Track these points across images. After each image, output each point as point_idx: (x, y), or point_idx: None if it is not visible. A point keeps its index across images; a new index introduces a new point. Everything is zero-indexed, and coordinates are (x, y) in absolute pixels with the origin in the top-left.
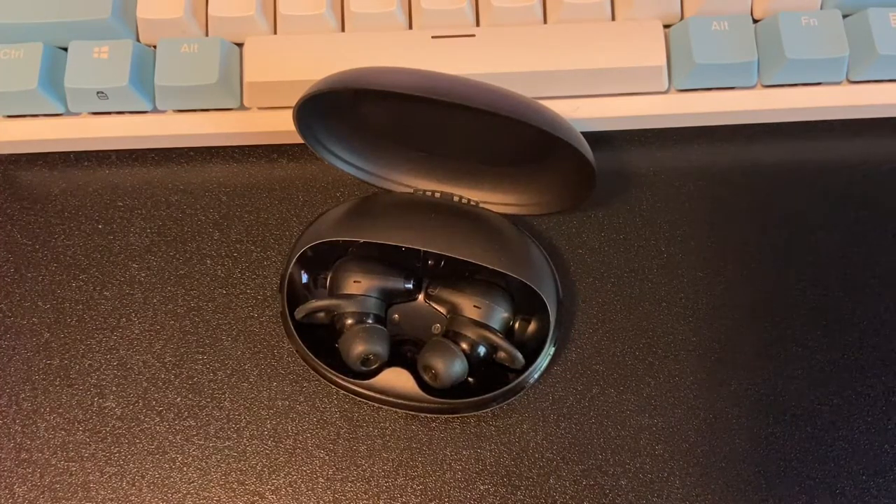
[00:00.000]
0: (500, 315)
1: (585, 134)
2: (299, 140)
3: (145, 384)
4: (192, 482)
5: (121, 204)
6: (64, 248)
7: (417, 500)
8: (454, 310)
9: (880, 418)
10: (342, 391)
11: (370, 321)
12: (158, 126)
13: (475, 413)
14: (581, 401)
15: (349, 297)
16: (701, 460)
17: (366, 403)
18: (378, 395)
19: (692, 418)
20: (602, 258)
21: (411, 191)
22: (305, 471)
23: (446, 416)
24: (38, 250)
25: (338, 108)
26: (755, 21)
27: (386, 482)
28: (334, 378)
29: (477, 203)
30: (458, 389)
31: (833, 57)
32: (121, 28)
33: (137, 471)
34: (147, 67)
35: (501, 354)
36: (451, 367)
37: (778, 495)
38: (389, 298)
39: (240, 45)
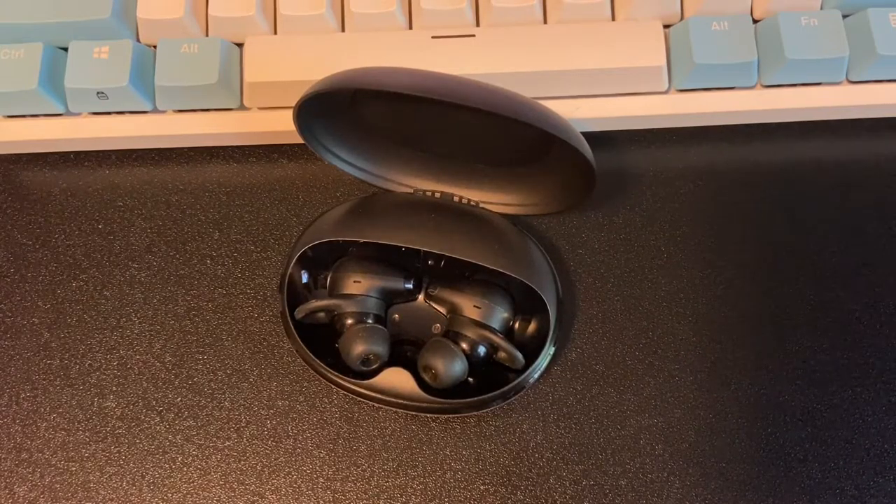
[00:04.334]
0: (500, 315)
1: (585, 134)
2: (299, 140)
3: (145, 384)
4: (192, 482)
5: (121, 204)
6: (64, 248)
7: (417, 500)
8: (454, 310)
9: (880, 418)
10: (342, 391)
11: (370, 321)
12: (158, 126)
13: (475, 413)
14: (581, 401)
15: (349, 297)
16: (701, 460)
17: (366, 403)
18: (378, 395)
19: (692, 418)
20: (602, 258)
21: (411, 191)
22: (305, 471)
23: (446, 416)
24: (38, 250)
25: (338, 108)
26: (755, 21)
27: (386, 482)
28: (334, 378)
29: (477, 203)
30: (458, 389)
31: (833, 57)
32: (121, 28)
33: (137, 471)
34: (147, 67)
35: (501, 354)
36: (451, 367)
37: (778, 495)
38: (389, 298)
39: (240, 45)
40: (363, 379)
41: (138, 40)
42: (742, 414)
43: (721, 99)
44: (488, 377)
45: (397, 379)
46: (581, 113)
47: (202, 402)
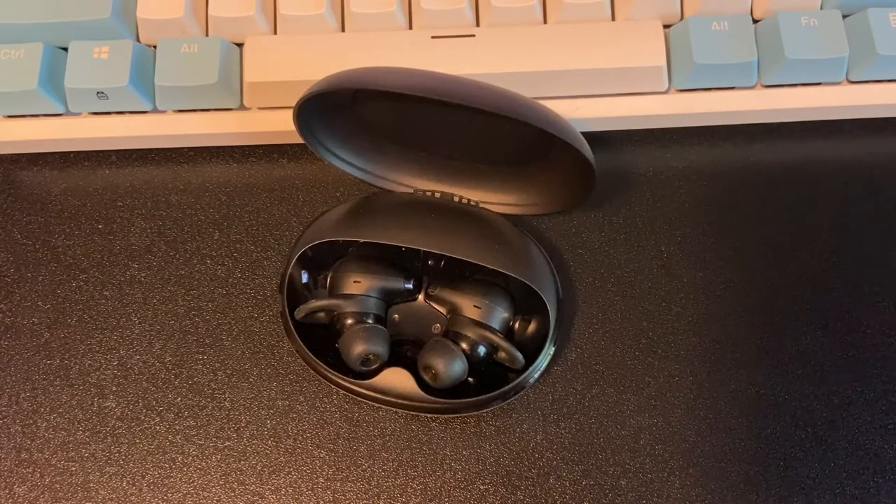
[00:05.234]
0: (500, 315)
1: (585, 134)
2: (299, 140)
3: (145, 384)
4: (192, 482)
5: (121, 204)
6: (64, 248)
7: (417, 500)
8: (454, 310)
9: (880, 418)
10: (342, 391)
11: (370, 321)
12: (158, 126)
13: (475, 413)
14: (581, 401)
15: (349, 297)
16: (701, 460)
17: (366, 403)
18: (378, 395)
19: (692, 418)
20: (602, 258)
21: (411, 191)
22: (305, 471)
23: (446, 416)
24: (38, 250)
25: (338, 108)
26: (755, 21)
27: (386, 482)
28: (334, 378)
29: (477, 203)
30: (458, 389)
31: (833, 57)
32: (121, 28)
33: (137, 471)
34: (147, 67)
35: (501, 354)
36: (451, 367)
37: (778, 495)
38: (389, 298)
39: (240, 45)
40: (363, 379)
41: (138, 40)
42: (742, 414)
43: (721, 99)
44: (488, 377)
45: (397, 379)
46: (581, 113)
47: (202, 402)
